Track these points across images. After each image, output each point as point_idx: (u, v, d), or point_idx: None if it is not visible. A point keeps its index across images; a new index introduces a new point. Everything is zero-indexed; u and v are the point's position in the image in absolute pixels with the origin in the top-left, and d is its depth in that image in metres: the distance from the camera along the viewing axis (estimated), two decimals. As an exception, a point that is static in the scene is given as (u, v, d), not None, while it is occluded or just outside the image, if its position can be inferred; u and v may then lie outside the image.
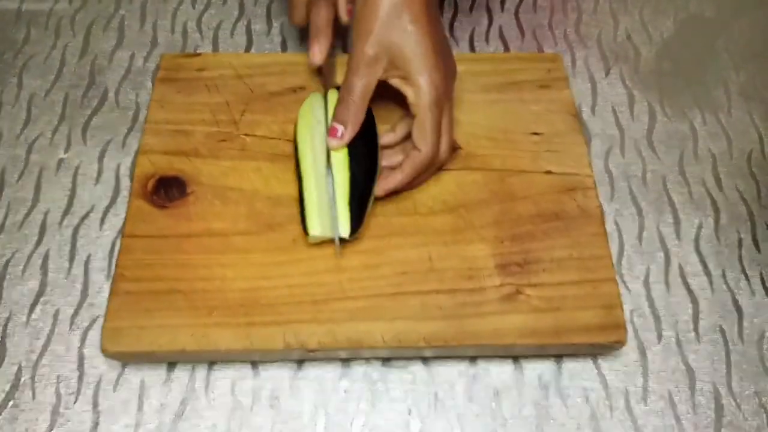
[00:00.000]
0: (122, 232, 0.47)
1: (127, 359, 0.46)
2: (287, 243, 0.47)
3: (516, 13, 0.66)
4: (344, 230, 0.45)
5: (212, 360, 0.46)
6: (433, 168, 0.48)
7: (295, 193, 0.49)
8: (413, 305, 0.45)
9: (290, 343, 0.43)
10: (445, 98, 0.45)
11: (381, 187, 0.47)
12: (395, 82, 0.46)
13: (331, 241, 0.46)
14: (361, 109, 0.46)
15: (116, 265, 0.46)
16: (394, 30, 0.44)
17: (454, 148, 0.49)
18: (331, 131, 0.47)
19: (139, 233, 0.47)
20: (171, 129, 0.52)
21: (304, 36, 0.63)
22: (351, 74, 0.46)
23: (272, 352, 0.44)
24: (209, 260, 0.46)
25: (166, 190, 0.49)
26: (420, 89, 0.44)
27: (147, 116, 0.52)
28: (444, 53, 0.46)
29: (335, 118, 0.47)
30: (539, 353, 0.47)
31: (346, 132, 0.46)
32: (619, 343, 0.45)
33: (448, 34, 0.62)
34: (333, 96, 0.49)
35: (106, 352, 0.43)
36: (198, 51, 0.61)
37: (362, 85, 0.46)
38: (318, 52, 0.51)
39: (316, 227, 0.45)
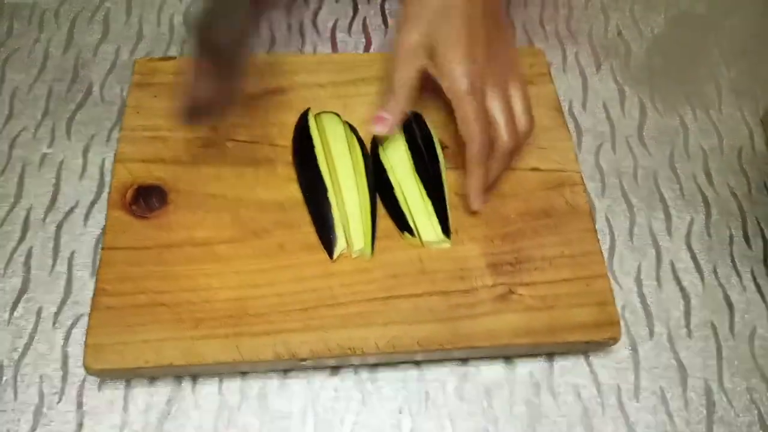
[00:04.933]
0: (102, 245, 0.46)
1: (111, 376, 0.44)
2: (274, 249, 0.46)
3: (506, 9, 0.65)
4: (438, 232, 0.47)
5: (200, 373, 0.45)
6: (500, 156, 0.46)
7: (281, 198, 0.48)
8: (405, 308, 0.44)
9: (280, 353, 0.42)
10: (486, 84, 0.44)
11: (472, 201, 0.47)
12: (433, 72, 0.45)
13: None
14: (404, 99, 0.46)
15: (96, 279, 0.44)
16: (434, 17, 0.44)
17: (523, 131, 0.47)
18: (376, 119, 0.47)
19: (119, 245, 0.45)
20: (148, 135, 0.50)
21: (293, 35, 0.62)
22: (392, 63, 0.45)
23: (262, 363, 0.43)
24: (193, 270, 0.45)
25: (146, 199, 0.47)
26: (452, 79, 0.43)
27: (122, 123, 0.51)
28: (486, 39, 0.44)
29: (381, 106, 0.47)
30: (532, 352, 0.47)
31: (388, 121, 0.46)
32: (613, 340, 0.44)
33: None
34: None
35: (89, 370, 0.42)
36: (184, 45, 0.60)
37: (403, 74, 0.45)
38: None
39: (431, 233, 0.46)
